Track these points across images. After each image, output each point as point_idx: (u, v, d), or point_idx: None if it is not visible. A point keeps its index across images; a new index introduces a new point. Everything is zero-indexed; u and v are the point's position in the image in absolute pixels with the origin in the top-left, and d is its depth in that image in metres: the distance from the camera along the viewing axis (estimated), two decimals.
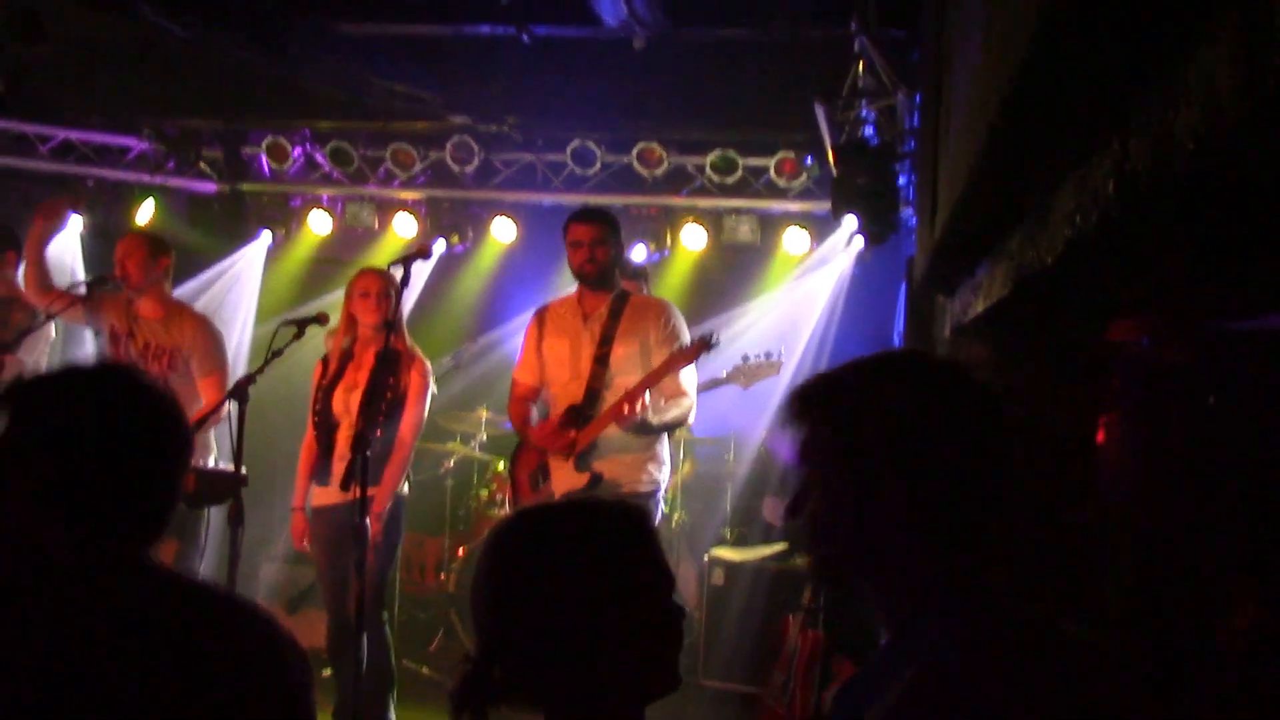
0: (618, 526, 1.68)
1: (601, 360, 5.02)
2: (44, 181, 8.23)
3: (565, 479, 4.98)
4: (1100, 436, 3.95)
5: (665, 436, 5.13)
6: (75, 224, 8.09)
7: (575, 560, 1.63)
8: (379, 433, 5.01)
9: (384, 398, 5.15)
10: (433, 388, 5.42)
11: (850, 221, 6.41)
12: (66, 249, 8.02)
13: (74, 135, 8.12)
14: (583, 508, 1.75)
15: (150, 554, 1.79)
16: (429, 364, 5.44)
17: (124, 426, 1.78)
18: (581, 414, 4.98)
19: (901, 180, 6.17)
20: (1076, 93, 1.73)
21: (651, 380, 4.85)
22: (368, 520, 4.39)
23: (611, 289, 5.13)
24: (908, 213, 6.53)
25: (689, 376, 5.06)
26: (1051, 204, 2.27)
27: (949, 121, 3.39)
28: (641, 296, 5.28)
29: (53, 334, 6.06)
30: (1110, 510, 3.78)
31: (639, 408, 4.76)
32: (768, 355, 6.33)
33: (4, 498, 1.72)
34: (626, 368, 4.97)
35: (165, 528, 1.82)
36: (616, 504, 1.74)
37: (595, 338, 5.05)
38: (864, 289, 7.34)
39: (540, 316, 5.31)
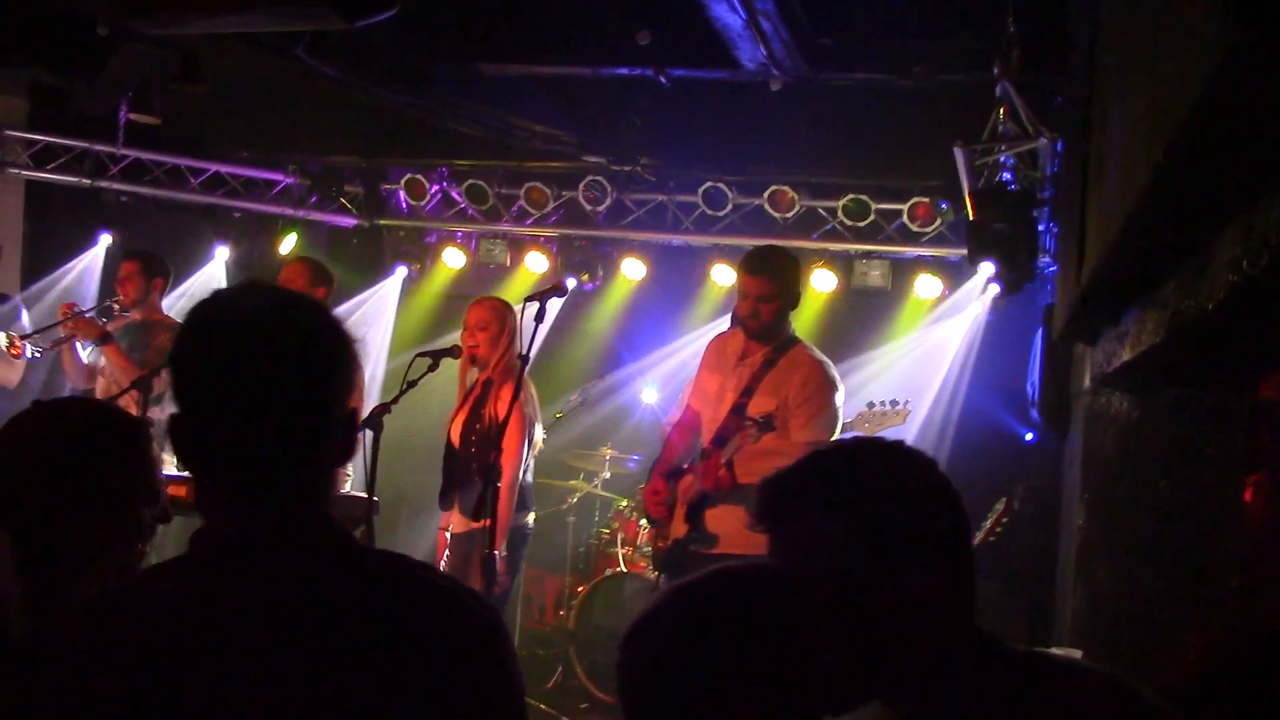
0: (751, 608, 1.58)
1: (738, 409, 4.78)
2: (194, 212, 8.56)
3: (676, 525, 4.88)
4: (1248, 495, 3.79)
5: None
6: (221, 254, 8.40)
7: (718, 654, 1.52)
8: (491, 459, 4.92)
9: (481, 427, 5.16)
10: (529, 409, 5.28)
11: (985, 268, 6.30)
12: (213, 278, 8.32)
13: (223, 169, 8.43)
14: (710, 596, 1.64)
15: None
16: (528, 391, 5.21)
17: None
18: (706, 459, 4.85)
19: (1040, 227, 6.05)
20: (1249, 133, 1.68)
21: (726, 452, 4.65)
22: (495, 552, 4.42)
23: (776, 339, 4.83)
24: (1045, 260, 6.40)
25: (813, 448, 4.76)
26: (1213, 249, 2.20)
27: (1100, 166, 3.31)
28: (802, 350, 4.84)
29: None
30: (1258, 572, 3.62)
31: (718, 476, 4.60)
32: (894, 403, 6.17)
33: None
34: (737, 436, 4.71)
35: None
36: (741, 578, 1.66)
37: (741, 384, 4.82)
38: (998, 337, 7.18)
39: (710, 345, 5.13)
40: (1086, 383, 4.66)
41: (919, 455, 1.80)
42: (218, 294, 1.60)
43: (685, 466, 5.01)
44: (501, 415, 4.86)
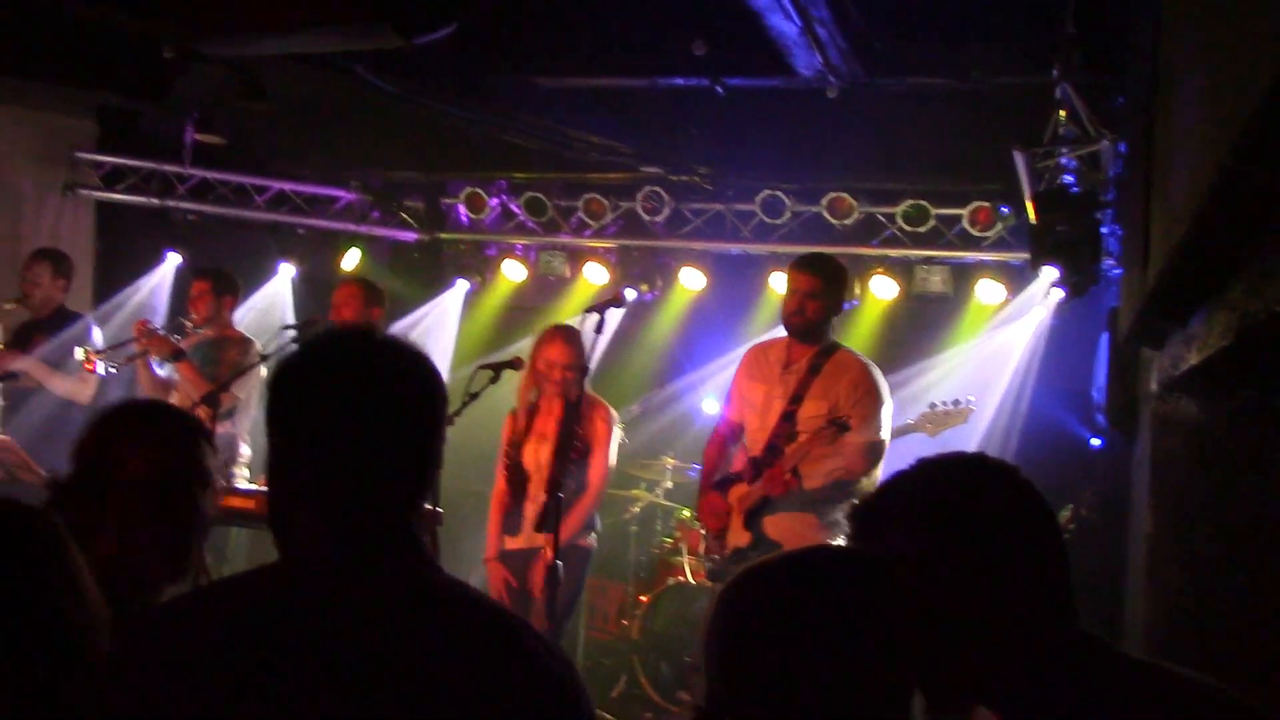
0: (853, 581, 1.63)
1: (788, 416, 4.87)
2: (259, 229, 8.70)
3: (735, 534, 4.92)
4: None
5: (845, 502, 4.99)
6: (286, 270, 8.52)
7: (814, 617, 1.58)
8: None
9: (573, 448, 5.20)
10: (619, 433, 5.46)
11: (1048, 272, 6.23)
12: (279, 294, 8.44)
13: (287, 187, 8.56)
14: (816, 561, 1.70)
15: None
16: (613, 410, 5.49)
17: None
18: (760, 468, 4.89)
19: (1104, 229, 5.98)
20: None
21: (791, 460, 4.70)
22: (559, 563, 4.44)
23: (819, 342, 4.95)
24: (1109, 263, 6.32)
25: (875, 452, 4.84)
26: None
27: (1164, 167, 3.27)
28: (847, 354, 5.03)
29: (264, 372, 6.38)
30: None
31: (785, 480, 4.65)
32: (956, 402, 6.17)
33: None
34: (813, 427, 4.78)
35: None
36: (852, 556, 1.71)
37: (789, 391, 4.90)
38: (1062, 341, 7.10)
39: (748, 355, 5.22)
40: (1154, 387, 4.60)
41: (999, 464, 1.81)
42: (326, 338, 1.72)
43: (735, 475, 5.03)
44: (589, 437, 5.21)
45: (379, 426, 1.58)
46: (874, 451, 4.83)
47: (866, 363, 4.99)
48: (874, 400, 4.83)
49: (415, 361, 1.66)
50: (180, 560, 2.27)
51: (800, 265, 4.92)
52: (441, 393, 1.68)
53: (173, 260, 8.30)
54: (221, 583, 1.65)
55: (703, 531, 6.86)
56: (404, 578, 1.56)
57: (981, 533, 1.72)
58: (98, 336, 6.59)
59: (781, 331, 5.08)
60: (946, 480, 1.80)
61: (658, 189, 7.82)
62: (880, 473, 5.00)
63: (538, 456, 5.38)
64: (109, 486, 2.17)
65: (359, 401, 1.58)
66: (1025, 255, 6.30)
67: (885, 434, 4.91)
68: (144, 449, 2.22)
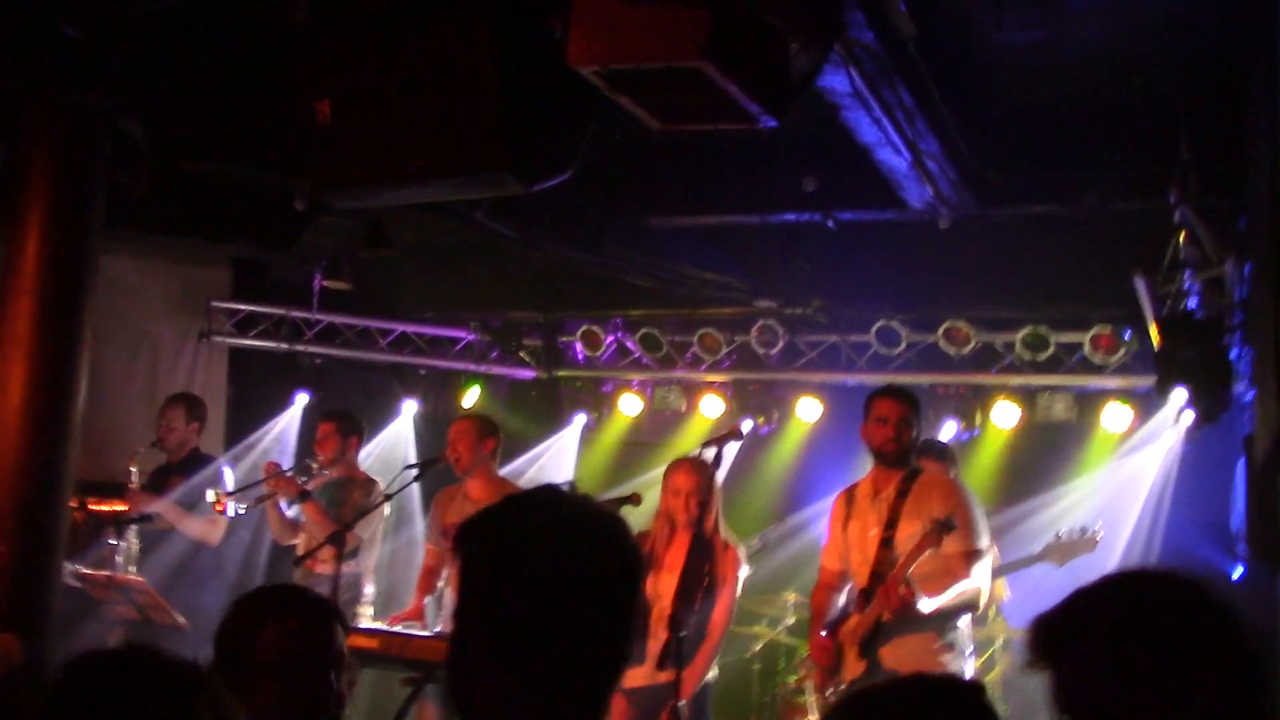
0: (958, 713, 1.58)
1: (886, 542, 4.90)
2: (382, 370, 8.94)
3: (850, 666, 4.86)
4: None
5: (959, 622, 4.90)
6: (408, 409, 8.71)
7: None
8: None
9: (700, 585, 5.19)
10: (744, 572, 5.43)
11: (1177, 397, 6.07)
12: (401, 433, 8.62)
13: (409, 329, 8.81)
14: (913, 693, 1.65)
15: None
16: (742, 550, 5.47)
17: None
18: (867, 598, 4.86)
19: (1233, 353, 5.82)
20: None
21: (904, 565, 4.68)
22: (682, 703, 4.38)
23: (905, 467, 5.04)
24: (1241, 387, 6.13)
25: (976, 560, 4.84)
26: None
27: None
28: (932, 474, 5.17)
29: (387, 512, 6.48)
30: None
31: (900, 594, 4.60)
32: (1082, 531, 6.07)
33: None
34: (911, 546, 4.78)
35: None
36: (952, 685, 1.65)
37: (882, 518, 4.95)
38: (1197, 468, 6.86)
39: (845, 497, 5.25)
40: None
41: (1194, 579, 1.70)
42: (519, 499, 1.66)
43: (843, 613, 4.98)
44: (718, 575, 5.29)
45: (576, 595, 1.53)
46: (976, 558, 4.86)
47: (952, 477, 5.28)
48: (967, 508, 4.89)
49: (611, 526, 1.60)
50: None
51: (889, 395, 5.11)
52: (638, 558, 1.61)
53: (301, 401, 8.53)
54: None
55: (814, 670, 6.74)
56: None
57: (1184, 649, 1.60)
58: (229, 479, 6.77)
59: (855, 476, 5.25)
60: (1143, 593, 1.69)
61: (771, 322, 7.86)
62: (987, 582, 4.93)
63: (660, 587, 5.37)
64: (247, 671, 2.27)
65: (557, 567, 1.53)
66: (1152, 380, 6.16)
67: (984, 542, 4.94)
68: (276, 635, 2.39)
